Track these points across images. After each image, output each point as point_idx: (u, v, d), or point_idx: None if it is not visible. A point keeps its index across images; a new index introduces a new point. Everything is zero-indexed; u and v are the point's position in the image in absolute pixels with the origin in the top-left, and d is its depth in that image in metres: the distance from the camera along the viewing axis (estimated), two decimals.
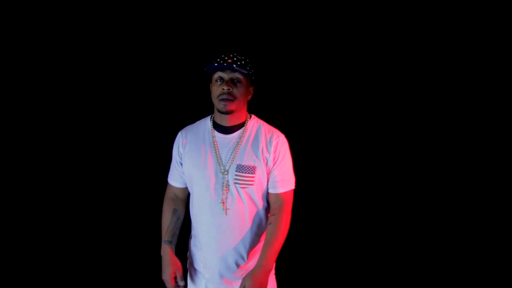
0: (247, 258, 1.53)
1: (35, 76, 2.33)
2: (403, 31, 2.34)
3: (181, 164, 1.57)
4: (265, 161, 1.50)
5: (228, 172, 1.47)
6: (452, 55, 2.33)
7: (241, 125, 1.54)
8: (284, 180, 1.53)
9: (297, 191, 1.57)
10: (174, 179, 1.63)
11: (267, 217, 1.56)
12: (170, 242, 1.58)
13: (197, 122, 1.63)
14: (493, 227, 2.35)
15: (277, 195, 1.52)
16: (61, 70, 2.35)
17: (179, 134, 1.61)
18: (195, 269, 1.62)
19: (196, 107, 2.06)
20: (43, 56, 2.33)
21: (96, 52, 2.36)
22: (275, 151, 1.51)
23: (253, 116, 1.59)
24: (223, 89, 1.43)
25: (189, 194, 1.62)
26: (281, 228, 1.49)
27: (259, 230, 1.54)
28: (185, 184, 1.60)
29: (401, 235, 2.43)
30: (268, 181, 1.53)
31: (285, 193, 1.53)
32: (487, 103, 2.33)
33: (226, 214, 1.47)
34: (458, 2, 2.28)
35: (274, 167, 1.51)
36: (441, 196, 2.39)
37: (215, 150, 1.50)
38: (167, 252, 1.56)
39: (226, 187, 1.46)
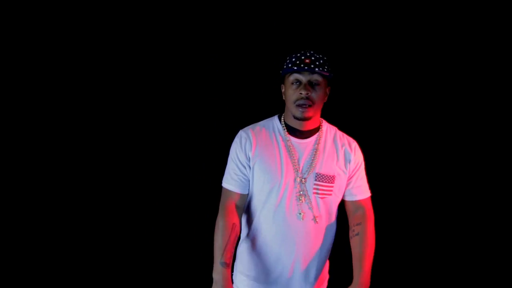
0: (320, 270, 1.47)
1: (59, 78, 2.33)
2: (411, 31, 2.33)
3: (248, 166, 1.41)
4: (345, 170, 1.41)
5: (306, 180, 1.37)
6: (452, 55, 2.33)
7: (317, 129, 1.43)
8: (362, 186, 1.46)
9: None
10: (235, 185, 1.42)
11: (335, 230, 1.48)
12: (227, 265, 1.32)
13: (262, 122, 1.49)
14: (493, 227, 2.35)
15: (356, 202, 1.45)
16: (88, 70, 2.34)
17: (243, 135, 1.43)
18: (251, 281, 1.47)
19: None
20: (71, 58, 2.31)
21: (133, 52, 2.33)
22: (355, 160, 1.43)
23: (323, 120, 1.48)
24: (301, 93, 1.30)
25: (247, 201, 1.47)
26: (372, 238, 1.41)
27: (330, 241, 1.47)
28: (247, 190, 1.43)
29: (400, 234, 2.42)
30: (345, 191, 1.46)
31: (364, 200, 1.46)
32: (486, 104, 2.32)
33: (303, 225, 1.37)
34: (458, 2, 2.28)
35: (354, 175, 1.44)
36: (440, 195, 2.39)
37: (292, 156, 1.38)
38: (224, 277, 1.31)
39: (304, 197, 1.37)
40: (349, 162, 1.42)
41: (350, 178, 1.43)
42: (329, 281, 1.58)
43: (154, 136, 2.38)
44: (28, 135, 2.31)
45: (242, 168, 1.41)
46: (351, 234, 1.43)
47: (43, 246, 2.36)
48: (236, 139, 1.45)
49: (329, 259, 1.55)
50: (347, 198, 1.46)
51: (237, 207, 1.42)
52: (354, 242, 1.41)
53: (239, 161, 1.41)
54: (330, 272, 1.59)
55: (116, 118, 2.36)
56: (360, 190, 1.45)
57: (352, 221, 1.44)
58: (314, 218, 1.38)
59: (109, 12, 2.28)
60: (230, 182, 1.43)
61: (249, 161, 1.40)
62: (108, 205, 2.40)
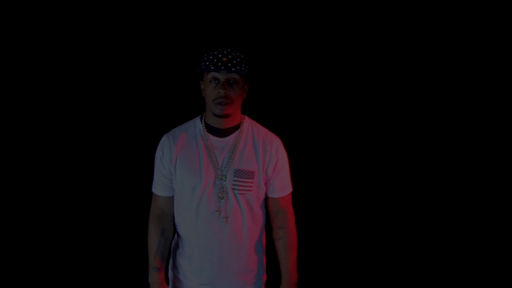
0: (247, 268, 1.47)
1: (32, 76, 2.32)
2: (395, 30, 2.33)
3: (172, 171, 1.44)
4: (265, 166, 1.44)
5: (225, 177, 1.39)
6: (448, 55, 2.32)
7: (237, 127, 1.45)
8: (284, 185, 1.50)
9: (294, 193, 1.54)
10: (160, 188, 1.48)
11: (263, 225, 1.51)
12: (158, 269, 1.46)
13: (184, 125, 1.51)
14: (493, 227, 2.34)
15: (277, 199, 1.49)
16: (57, 70, 2.34)
17: (165, 139, 1.47)
18: (181, 281, 1.51)
19: (178, 108, 2.07)
20: (40, 56, 2.31)
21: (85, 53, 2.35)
22: (276, 156, 1.45)
23: (246, 117, 1.51)
24: (220, 92, 1.33)
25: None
26: (294, 239, 1.51)
27: (257, 239, 1.49)
28: (173, 192, 1.48)
29: (399, 234, 2.42)
30: (267, 187, 1.48)
31: (285, 197, 1.51)
32: (486, 104, 2.32)
33: (227, 223, 1.39)
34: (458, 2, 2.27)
35: (276, 172, 1.46)
36: (439, 194, 2.39)
37: (210, 154, 1.41)
38: (157, 281, 1.46)
39: (225, 194, 1.39)
40: (270, 160, 1.44)
41: (271, 176, 1.46)
42: (267, 281, 1.58)
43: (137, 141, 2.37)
44: (26, 135, 2.32)
45: (167, 174, 1.46)
46: (274, 236, 1.51)
47: (42, 245, 2.38)
48: (159, 148, 1.48)
49: (267, 258, 1.57)
50: (269, 195, 1.50)
51: (164, 213, 1.49)
52: (278, 245, 1.50)
53: (163, 167, 1.46)
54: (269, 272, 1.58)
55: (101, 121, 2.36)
56: (282, 188, 1.49)
57: (274, 223, 1.51)
58: (228, 217, 1.40)
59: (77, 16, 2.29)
60: (157, 187, 1.50)
61: (171, 167, 1.44)
62: (107, 204, 2.41)
